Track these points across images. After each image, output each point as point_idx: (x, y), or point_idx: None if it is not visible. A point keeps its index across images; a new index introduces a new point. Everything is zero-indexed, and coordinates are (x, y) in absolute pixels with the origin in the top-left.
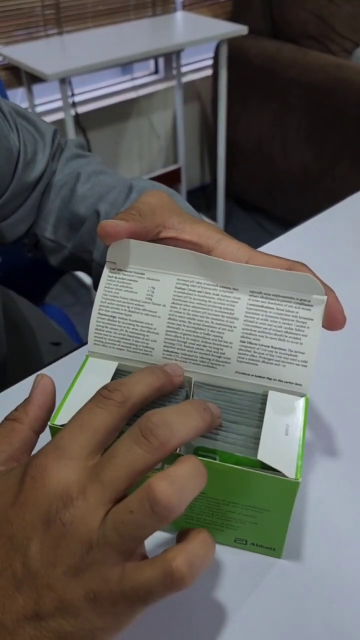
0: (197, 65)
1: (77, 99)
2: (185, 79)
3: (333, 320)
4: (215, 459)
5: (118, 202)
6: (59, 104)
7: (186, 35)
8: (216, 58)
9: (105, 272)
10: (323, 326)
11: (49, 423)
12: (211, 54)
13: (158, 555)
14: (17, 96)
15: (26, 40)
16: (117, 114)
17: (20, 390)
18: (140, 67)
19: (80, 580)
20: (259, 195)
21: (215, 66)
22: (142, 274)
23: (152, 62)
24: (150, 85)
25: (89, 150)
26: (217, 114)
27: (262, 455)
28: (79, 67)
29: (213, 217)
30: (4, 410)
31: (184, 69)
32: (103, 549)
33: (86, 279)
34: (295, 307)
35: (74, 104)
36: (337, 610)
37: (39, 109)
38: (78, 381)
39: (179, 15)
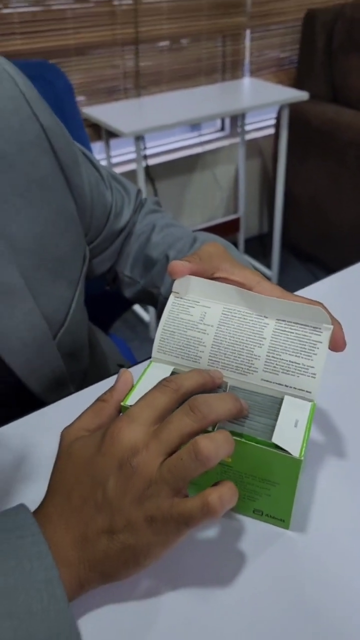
0: (260, 124)
1: (148, 152)
2: (248, 137)
3: (336, 344)
4: (241, 438)
5: (184, 250)
6: (133, 156)
7: (251, 100)
8: (278, 119)
9: (171, 299)
10: (329, 348)
11: (121, 403)
12: (274, 115)
13: (200, 492)
14: (96, 149)
15: (108, 101)
16: (184, 167)
17: (97, 389)
18: (208, 125)
19: (142, 507)
20: (313, 246)
21: (277, 126)
22: (197, 302)
23: (219, 121)
24: (216, 142)
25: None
26: (277, 170)
27: (276, 439)
28: (153, 127)
29: (268, 265)
30: (85, 403)
31: (248, 128)
32: (159, 485)
33: (145, 316)
34: (309, 332)
35: (145, 157)
36: (333, 575)
37: (114, 160)
38: (143, 378)
39: (246, 80)
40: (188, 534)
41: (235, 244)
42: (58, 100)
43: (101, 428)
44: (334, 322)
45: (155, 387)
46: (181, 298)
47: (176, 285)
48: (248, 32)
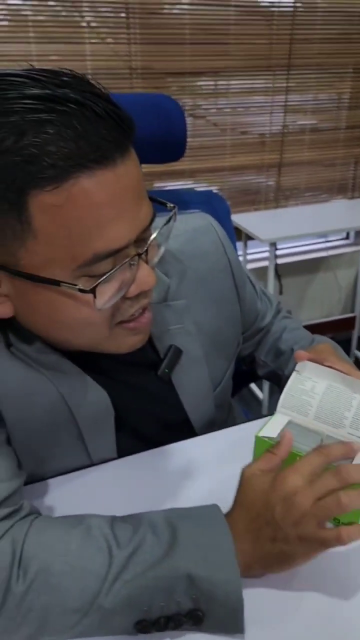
0: None
1: (279, 252)
2: None
3: None
4: None
5: (304, 346)
6: (266, 255)
7: None
8: None
9: (293, 374)
10: None
11: (256, 434)
12: None
13: (336, 528)
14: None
15: (250, 210)
16: (309, 267)
17: (235, 429)
18: (335, 233)
19: (297, 529)
20: None
21: None
22: (310, 378)
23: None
24: (340, 248)
25: (281, 292)
26: None
27: None
28: (286, 236)
29: None
30: (229, 436)
31: None
32: (310, 517)
33: (259, 394)
34: None
35: (276, 257)
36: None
37: (249, 257)
38: (271, 421)
39: None
40: (322, 551)
41: (349, 340)
42: (217, 218)
43: (271, 471)
44: None
45: (313, 450)
46: (300, 375)
47: (298, 367)
48: None
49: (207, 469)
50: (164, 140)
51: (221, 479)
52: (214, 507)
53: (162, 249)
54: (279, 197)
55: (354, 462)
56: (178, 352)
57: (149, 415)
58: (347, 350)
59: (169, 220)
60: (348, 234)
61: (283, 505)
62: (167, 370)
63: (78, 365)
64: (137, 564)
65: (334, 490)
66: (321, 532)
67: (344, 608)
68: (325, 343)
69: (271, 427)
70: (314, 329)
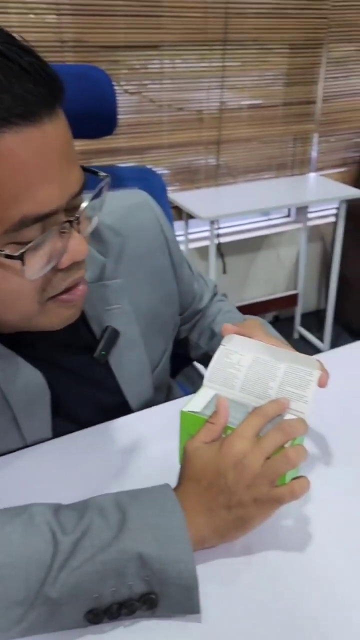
0: (323, 213)
1: (220, 231)
2: (311, 223)
3: (322, 383)
4: None
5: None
6: (207, 234)
7: (315, 194)
8: (338, 211)
9: (219, 349)
10: (317, 385)
11: (182, 410)
12: (335, 205)
13: (287, 484)
14: (177, 226)
15: (190, 189)
16: (251, 246)
17: (169, 404)
18: (276, 211)
19: (250, 491)
20: None
21: (337, 217)
22: (236, 351)
23: (286, 209)
24: (282, 226)
25: (224, 271)
26: (334, 253)
27: None
28: (227, 213)
29: (321, 338)
30: (166, 413)
31: (311, 215)
32: (262, 478)
33: (204, 372)
34: (306, 374)
35: (218, 235)
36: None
37: (191, 236)
38: (197, 395)
39: (312, 176)
40: (279, 509)
41: (293, 317)
42: (153, 195)
43: (215, 441)
44: (322, 368)
45: (251, 414)
46: (226, 348)
47: (224, 340)
48: (316, 136)
49: (146, 445)
50: (93, 112)
51: (161, 455)
52: (165, 486)
53: (95, 220)
54: (219, 175)
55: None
56: (115, 334)
57: (86, 399)
58: (291, 327)
59: (101, 190)
60: (289, 211)
61: (234, 471)
62: (103, 353)
63: (13, 350)
64: (84, 550)
65: (280, 447)
66: (275, 490)
67: (297, 572)
68: (253, 319)
69: (197, 401)
70: (258, 307)
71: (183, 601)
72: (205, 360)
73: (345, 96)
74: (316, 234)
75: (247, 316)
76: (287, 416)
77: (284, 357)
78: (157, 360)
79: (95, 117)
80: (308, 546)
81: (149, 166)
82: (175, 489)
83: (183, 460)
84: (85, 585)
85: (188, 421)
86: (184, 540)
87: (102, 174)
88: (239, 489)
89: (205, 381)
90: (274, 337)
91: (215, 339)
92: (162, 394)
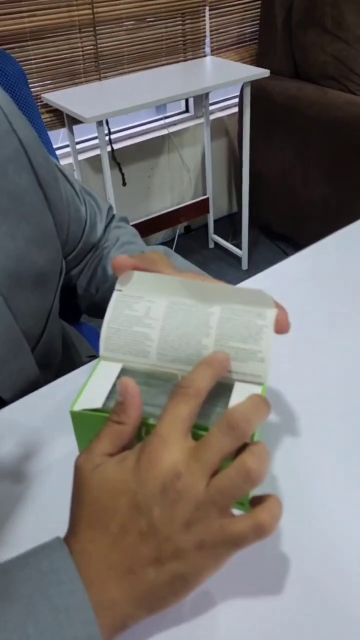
0: (224, 103)
1: (113, 136)
2: (213, 117)
3: (281, 326)
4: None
5: None
6: (97, 141)
7: (214, 79)
8: (241, 98)
9: (114, 296)
10: (275, 331)
11: (70, 409)
12: (237, 93)
13: (248, 513)
14: (60, 136)
15: (68, 86)
16: (150, 150)
17: (66, 380)
18: (172, 106)
19: (191, 532)
20: (282, 225)
21: (241, 105)
22: (142, 297)
23: (183, 102)
24: (181, 123)
25: (124, 183)
26: (242, 149)
27: None
28: (115, 111)
29: (238, 245)
30: (58, 394)
31: (212, 108)
32: (207, 507)
33: None
34: (254, 317)
35: (110, 141)
36: (291, 580)
37: (79, 146)
38: (92, 377)
39: (208, 59)
40: (235, 553)
41: (206, 225)
42: (9, 89)
43: (124, 450)
44: (277, 306)
45: (173, 396)
46: (125, 295)
47: (119, 282)
48: (207, 9)
49: (37, 448)
50: None
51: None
52: (55, 546)
53: None
54: (100, 67)
55: (232, 399)
56: None
57: None
58: (205, 237)
59: None
60: (187, 105)
61: (163, 501)
62: None
63: None
64: None
65: (228, 456)
66: (229, 525)
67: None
68: (155, 251)
69: (93, 389)
70: (166, 219)
71: None
72: (97, 312)
73: None
74: (220, 128)
75: (150, 247)
76: (239, 388)
77: (215, 295)
78: (38, 331)
79: None
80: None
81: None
82: (68, 541)
83: (74, 488)
84: None
85: (84, 425)
86: (91, 635)
87: None
88: (173, 531)
89: (101, 351)
90: (190, 272)
91: (108, 283)
92: (54, 369)
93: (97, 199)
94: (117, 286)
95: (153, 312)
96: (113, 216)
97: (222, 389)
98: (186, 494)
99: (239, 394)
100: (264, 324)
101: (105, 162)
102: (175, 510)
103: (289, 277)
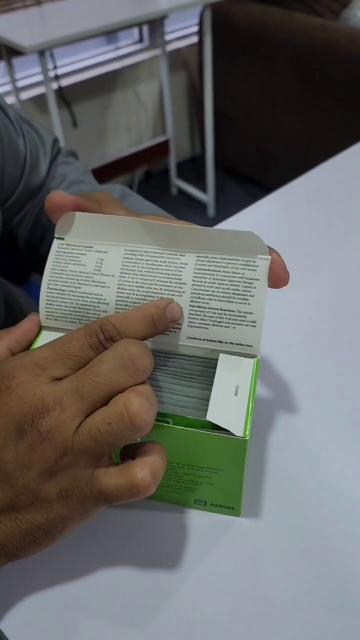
0: (182, 32)
1: (60, 71)
2: (170, 48)
3: (278, 278)
4: (169, 423)
5: None
6: (41, 77)
7: (170, 1)
8: (201, 24)
9: (54, 247)
10: (269, 285)
11: None
12: (196, 21)
13: (125, 464)
14: None
15: (4, 12)
16: (103, 86)
17: None
18: (125, 36)
19: (55, 481)
20: (250, 166)
21: (201, 33)
22: (90, 247)
23: (136, 31)
24: (135, 55)
25: (75, 124)
26: (204, 83)
27: (211, 416)
28: (59, 39)
29: (204, 189)
30: None
31: (169, 37)
32: (77, 454)
33: None
34: (242, 269)
35: (57, 77)
36: (293, 563)
37: (20, 84)
38: None
39: None
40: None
41: (167, 169)
42: None
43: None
44: (270, 250)
45: (82, 333)
46: (67, 245)
47: (59, 229)
48: None
49: None
50: None
51: None
52: None
53: None
54: None
55: (216, 380)
56: None
57: None
58: (167, 182)
59: None
60: (141, 36)
61: (19, 444)
62: None
63: None
64: None
65: (118, 394)
66: (101, 480)
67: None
68: (101, 191)
69: None
70: (124, 163)
71: None
72: (40, 268)
73: None
74: (179, 61)
75: (105, 186)
76: (225, 362)
77: (187, 240)
78: None
79: None
80: None
81: None
82: None
83: None
84: None
85: None
86: None
87: None
88: (31, 478)
89: (42, 320)
90: (151, 214)
91: (51, 233)
92: None
93: (38, 129)
94: (57, 233)
95: (107, 267)
96: (59, 150)
97: (203, 365)
98: (52, 437)
99: (226, 370)
100: (254, 277)
101: (52, 101)
102: (35, 455)
103: (259, 222)
